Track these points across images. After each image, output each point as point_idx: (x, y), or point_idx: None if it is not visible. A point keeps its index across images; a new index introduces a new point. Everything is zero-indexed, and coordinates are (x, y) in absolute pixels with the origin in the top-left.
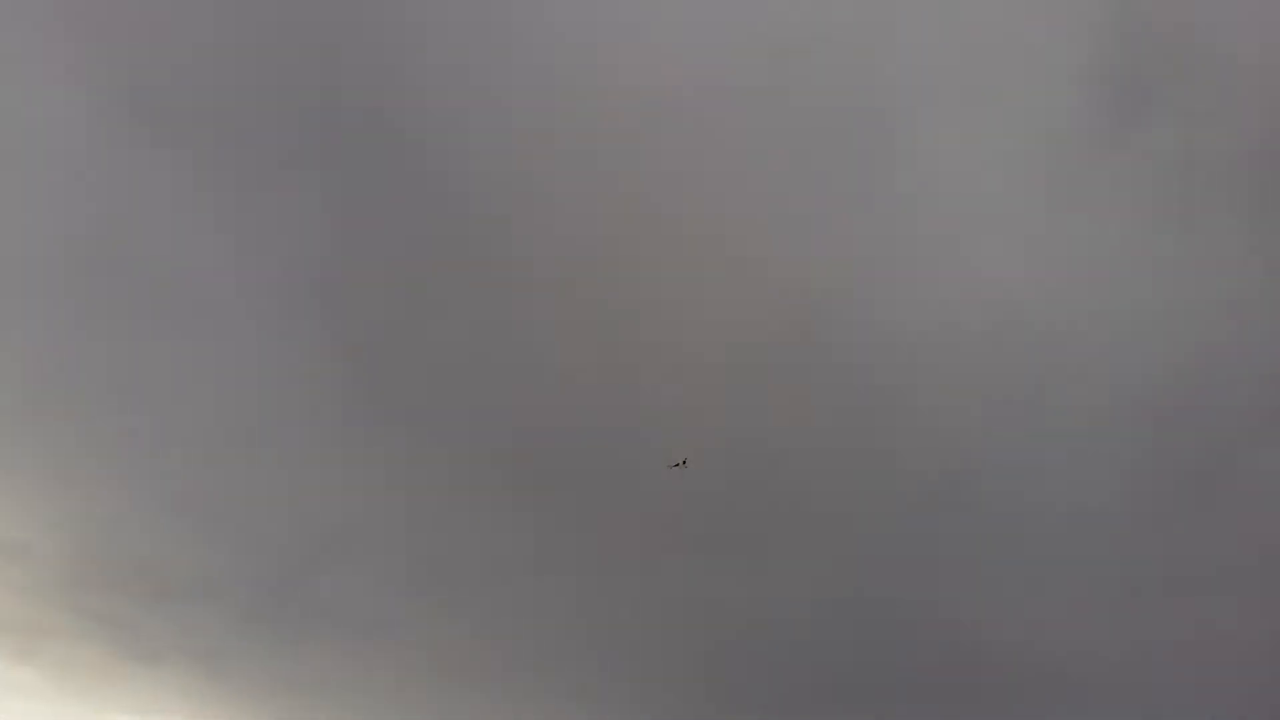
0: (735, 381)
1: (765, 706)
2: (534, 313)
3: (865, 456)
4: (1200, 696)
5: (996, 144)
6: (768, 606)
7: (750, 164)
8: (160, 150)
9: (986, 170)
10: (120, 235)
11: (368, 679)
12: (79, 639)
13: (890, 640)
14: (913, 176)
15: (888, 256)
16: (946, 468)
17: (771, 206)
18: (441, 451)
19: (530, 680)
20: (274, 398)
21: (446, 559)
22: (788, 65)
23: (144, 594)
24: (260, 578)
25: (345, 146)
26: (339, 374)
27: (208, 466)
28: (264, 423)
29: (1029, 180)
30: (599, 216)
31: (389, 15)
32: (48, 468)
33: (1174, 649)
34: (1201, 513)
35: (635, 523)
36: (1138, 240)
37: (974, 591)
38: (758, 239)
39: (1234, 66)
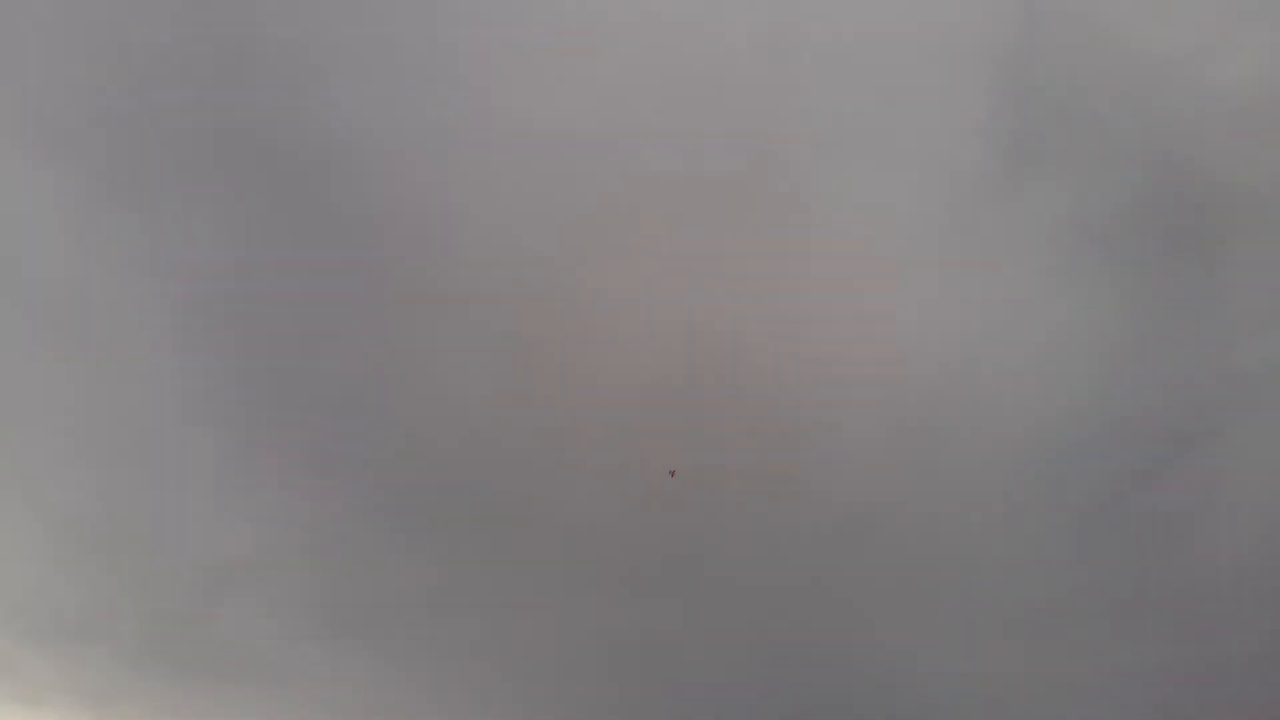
0: (645, 418)
1: None
2: (444, 343)
3: (769, 495)
4: None
5: (897, 201)
6: (682, 642)
7: (653, 204)
8: (56, 167)
9: (887, 224)
10: (11, 253)
11: None
12: None
13: (796, 674)
14: (814, 224)
15: (790, 301)
16: (848, 507)
17: (673, 248)
18: (350, 483)
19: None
20: (169, 424)
21: (354, 595)
22: (691, 109)
23: (26, 630)
24: (153, 613)
25: (249, 166)
26: (240, 401)
27: (97, 495)
28: (159, 449)
29: (926, 231)
30: (510, 248)
31: (295, 33)
32: None
33: (1078, 682)
34: (1093, 551)
35: (549, 559)
36: (1029, 290)
37: (872, 627)
38: (661, 279)
39: (1123, 130)
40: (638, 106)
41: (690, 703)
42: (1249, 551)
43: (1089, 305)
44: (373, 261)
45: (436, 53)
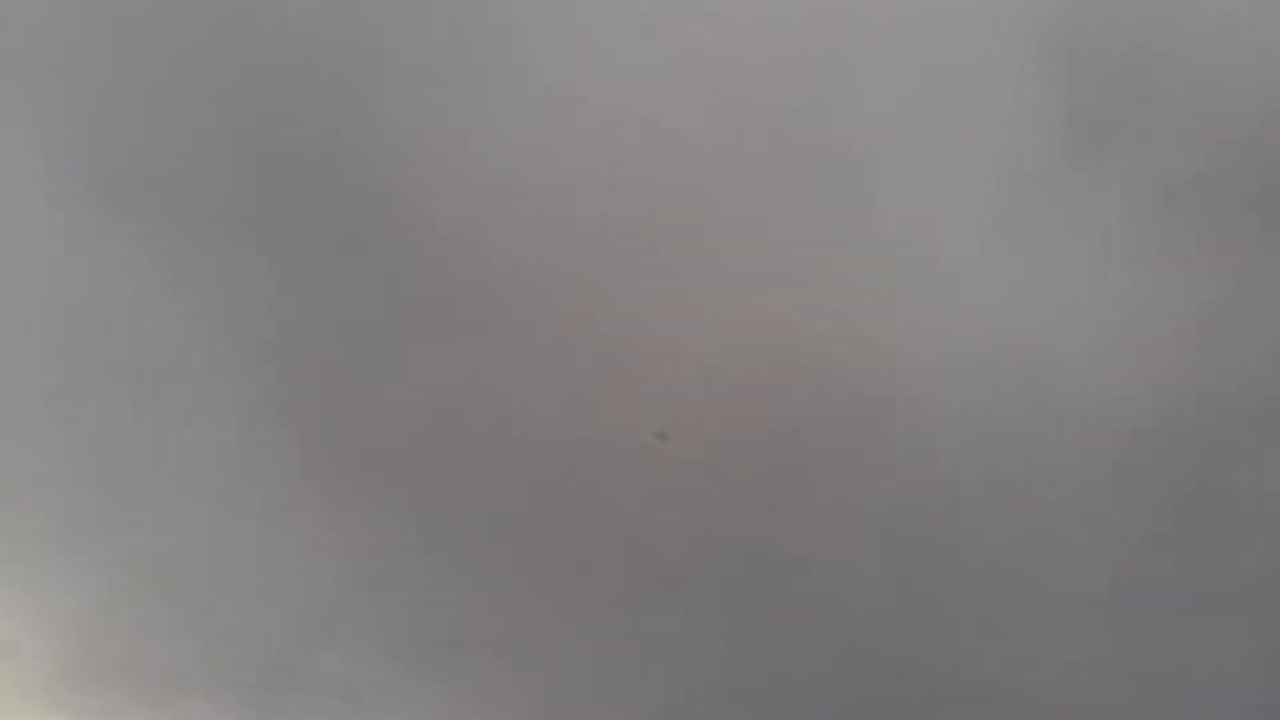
0: (718, 430)
1: None
2: (512, 375)
3: (851, 493)
4: None
5: (962, 181)
6: (757, 652)
7: (716, 212)
8: (114, 218)
9: (954, 206)
10: (81, 312)
11: None
12: None
13: (884, 681)
14: (877, 215)
15: (864, 295)
16: (936, 501)
17: (740, 254)
18: (428, 521)
19: None
20: (249, 473)
21: (443, 631)
22: (746, 116)
23: (136, 686)
24: (251, 660)
25: (302, 201)
26: (316, 447)
27: (188, 548)
28: (242, 501)
29: (992, 209)
30: (576, 274)
31: (347, 77)
32: (25, 560)
33: (1170, 675)
34: (1193, 537)
35: (630, 584)
36: (1105, 264)
37: (968, 625)
38: (730, 287)
39: (1189, 94)
40: (690, 118)
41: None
42: None
43: (1169, 277)
44: (443, 302)
45: (486, 75)
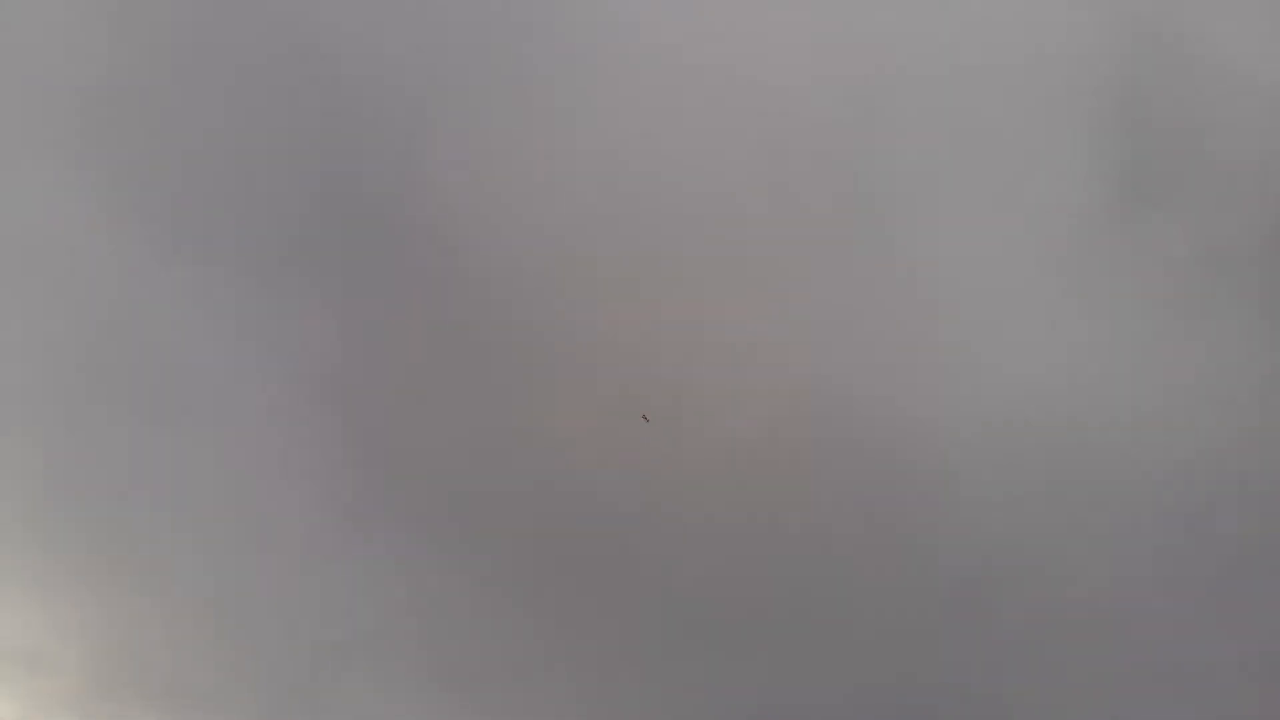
0: (754, 478)
1: None
2: (548, 411)
3: (887, 552)
4: None
5: (1006, 241)
6: (793, 701)
7: (759, 265)
8: (166, 248)
9: (997, 267)
10: (128, 336)
11: None
12: None
13: None
14: (922, 276)
15: (904, 353)
16: (971, 563)
17: (780, 306)
18: (456, 551)
19: None
20: (287, 498)
21: (465, 660)
22: (787, 166)
23: (160, 700)
24: (276, 681)
25: (354, 241)
26: (351, 474)
27: (222, 569)
28: (278, 524)
29: (1041, 275)
30: (613, 314)
31: (398, 111)
32: (59, 573)
33: None
34: (1234, 609)
35: (658, 618)
36: (1153, 329)
37: (1002, 690)
38: (769, 338)
39: (1242, 159)
40: (735, 170)
41: None
42: None
43: (1219, 342)
44: (481, 339)
45: (541, 135)
